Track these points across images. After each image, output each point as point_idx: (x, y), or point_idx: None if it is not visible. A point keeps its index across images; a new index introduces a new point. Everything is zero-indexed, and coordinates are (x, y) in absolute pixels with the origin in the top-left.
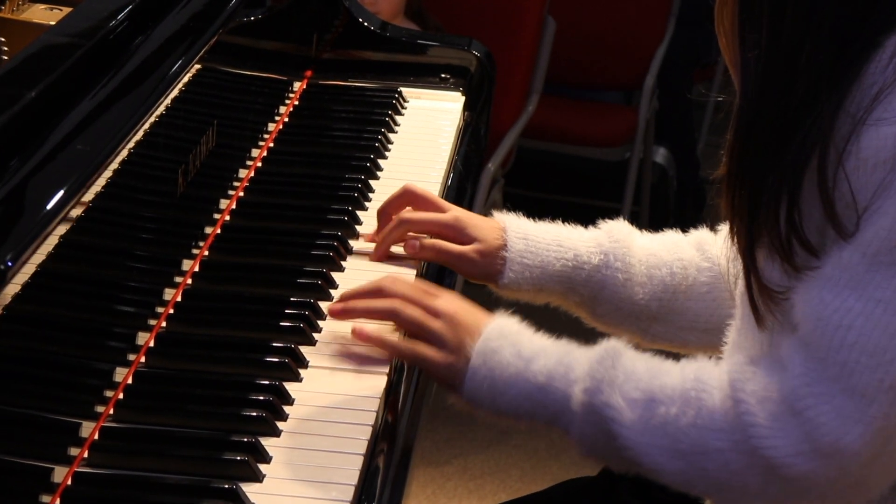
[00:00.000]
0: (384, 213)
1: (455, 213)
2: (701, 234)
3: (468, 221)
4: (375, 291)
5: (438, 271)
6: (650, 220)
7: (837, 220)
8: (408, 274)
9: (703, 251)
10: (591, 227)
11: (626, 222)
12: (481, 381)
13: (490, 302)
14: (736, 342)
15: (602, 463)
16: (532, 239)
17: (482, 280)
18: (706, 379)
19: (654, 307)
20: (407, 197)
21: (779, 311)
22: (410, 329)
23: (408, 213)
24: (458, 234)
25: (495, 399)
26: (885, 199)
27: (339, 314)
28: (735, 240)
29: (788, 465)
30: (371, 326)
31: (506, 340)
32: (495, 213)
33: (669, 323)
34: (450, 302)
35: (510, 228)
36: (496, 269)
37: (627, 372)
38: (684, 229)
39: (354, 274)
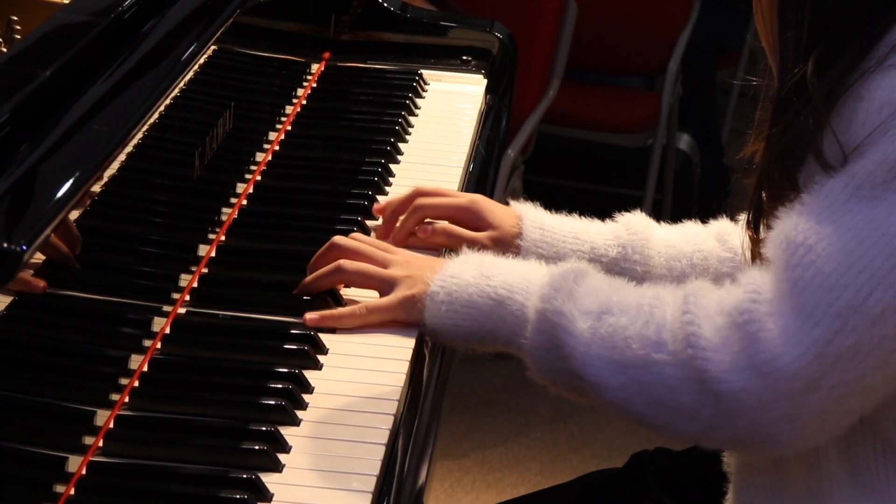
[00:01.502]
0: (394, 214)
1: (472, 196)
2: (721, 225)
3: (485, 206)
4: (328, 249)
5: None
6: (673, 207)
7: (821, 152)
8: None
9: (723, 241)
10: (608, 220)
11: (644, 214)
12: (440, 305)
13: None
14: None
15: (551, 385)
16: (548, 229)
17: None
18: (663, 295)
19: None
20: (418, 210)
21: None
22: (359, 282)
23: (422, 199)
24: (474, 218)
25: (456, 321)
26: (883, 138)
27: (298, 291)
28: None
29: (722, 380)
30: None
31: (467, 263)
32: (512, 203)
33: None
34: (406, 253)
35: (526, 217)
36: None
37: (589, 287)
38: (707, 217)
39: None
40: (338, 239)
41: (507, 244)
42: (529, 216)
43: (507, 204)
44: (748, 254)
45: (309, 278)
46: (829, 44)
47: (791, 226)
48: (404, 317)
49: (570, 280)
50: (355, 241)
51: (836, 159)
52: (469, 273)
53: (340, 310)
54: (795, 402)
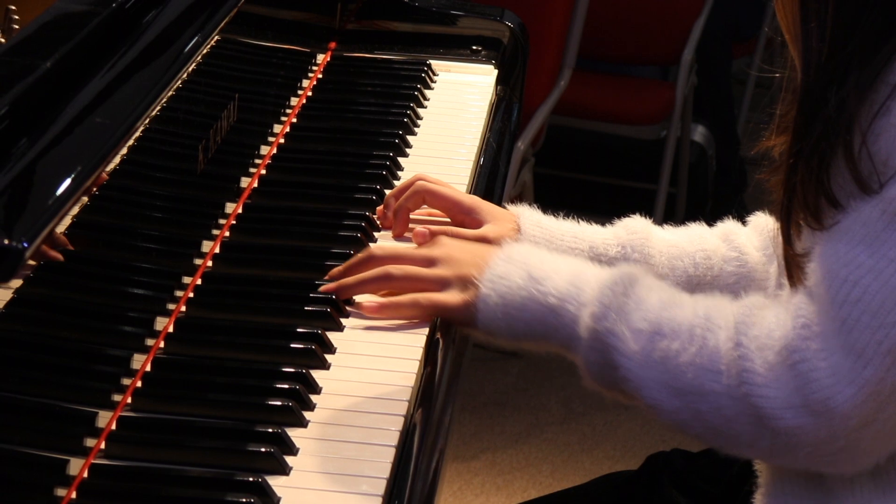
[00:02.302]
0: (403, 209)
1: (473, 198)
2: (727, 225)
3: (482, 205)
4: (365, 260)
5: None
6: (688, 201)
7: (860, 175)
8: None
9: (729, 241)
10: (607, 225)
11: (643, 218)
12: (494, 308)
13: None
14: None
15: (608, 394)
16: (546, 227)
17: None
18: (715, 317)
19: None
20: (421, 195)
21: (804, 275)
22: (409, 286)
23: (425, 182)
24: (471, 216)
25: (511, 325)
26: None
27: (333, 292)
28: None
29: (777, 417)
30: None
31: (514, 264)
32: (509, 206)
33: None
34: (444, 245)
35: (524, 216)
36: None
37: (639, 301)
38: (722, 211)
39: None
40: (375, 248)
41: (505, 241)
42: (526, 214)
43: (513, 201)
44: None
45: (352, 280)
46: (860, 41)
47: (833, 256)
48: (460, 318)
49: (621, 292)
50: (393, 246)
51: (870, 178)
52: (517, 275)
53: (400, 299)
54: (852, 437)
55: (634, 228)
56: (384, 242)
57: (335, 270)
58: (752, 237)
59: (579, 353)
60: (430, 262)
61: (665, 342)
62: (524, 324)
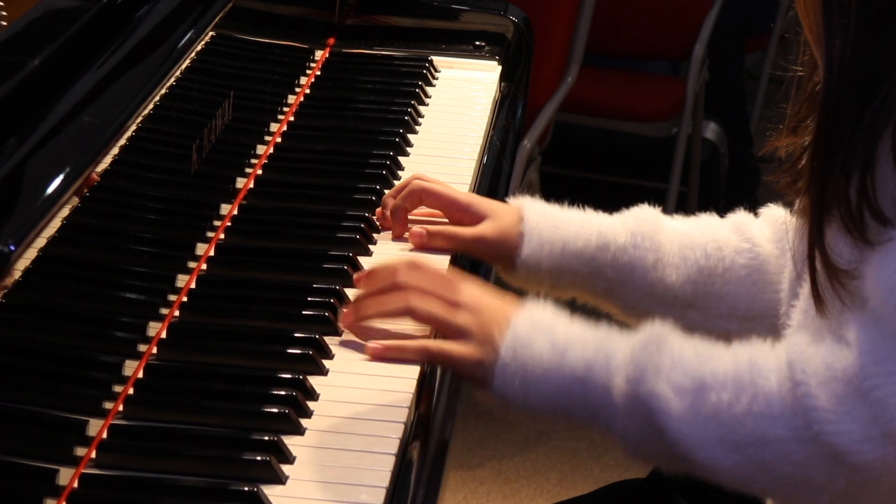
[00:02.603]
0: (400, 209)
1: (469, 194)
2: (738, 217)
3: (480, 200)
4: (389, 286)
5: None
6: (699, 200)
7: None
8: (442, 260)
9: (741, 233)
10: (615, 214)
11: (651, 207)
12: (512, 376)
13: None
14: (801, 323)
15: (650, 463)
16: (551, 217)
17: (498, 263)
18: (762, 362)
19: (688, 291)
20: (418, 194)
21: (846, 293)
22: (429, 324)
23: (422, 181)
24: (469, 213)
25: (528, 395)
26: None
27: (352, 321)
28: (805, 215)
29: (856, 452)
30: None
31: (538, 331)
32: (510, 199)
33: (707, 310)
34: (473, 291)
35: (527, 206)
36: (513, 246)
37: (674, 357)
38: (735, 210)
39: (382, 258)
40: (401, 273)
41: (507, 234)
42: (530, 206)
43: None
44: (794, 246)
45: (373, 311)
46: (888, 39)
47: (894, 272)
48: (471, 377)
49: (653, 352)
50: (421, 269)
51: None
52: (541, 344)
53: (408, 345)
54: None
55: (644, 218)
56: (385, 245)
57: (359, 296)
58: (764, 229)
59: (615, 423)
60: (455, 304)
61: (714, 395)
62: (544, 396)
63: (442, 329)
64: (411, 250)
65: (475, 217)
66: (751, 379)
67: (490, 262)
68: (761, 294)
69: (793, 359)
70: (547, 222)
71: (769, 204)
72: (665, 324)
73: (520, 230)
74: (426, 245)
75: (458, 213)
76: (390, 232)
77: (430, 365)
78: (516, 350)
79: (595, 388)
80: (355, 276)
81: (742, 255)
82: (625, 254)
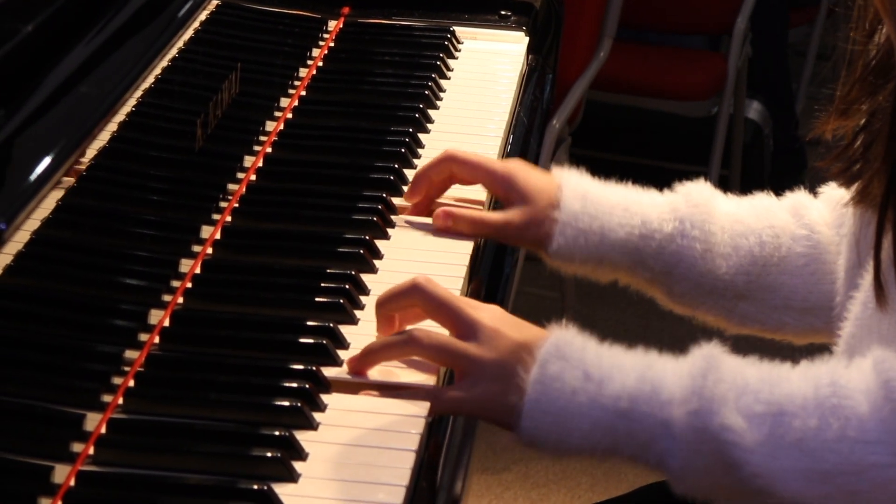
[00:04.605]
0: (424, 178)
1: (509, 166)
2: (797, 198)
3: (520, 177)
4: (405, 293)
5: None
6: (742, 185)
7: None
8: (465, 243)
9: (799, 217)
10: (666, 191)
11: (708, 184)
12: (542, 416)
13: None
14: (858, 317)
15: (703, 498)
16: (592, 199)
17: (533, 247)
18: (844, 383)
19: (740, 283)
20: (448, 164)
21: None
22: (437, 360)
23: (454, 150)
24: (506, 189)
25: (563, 435)
26: None
27: (357, 367)
28: (869, 201)
29: None
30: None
31: (567, 362)
32: (554, 169)
33: (760, 302)
34: (487, 322)
35: (567, 186)
36: (545, 232)
37: (738, 383)
38: (780, 195)
39: (401, 241)
40: (420, 280)
41: (540, 220)
42: (571, 184)
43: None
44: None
45: (379, 350)
46: None
47: None
48: (493, 419)
49: (715, 379)
50: (438, 288)
51: None
52: (572, 375)
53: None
54: None
55: (696, 200)
56: (405, 229)
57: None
58: (823, 212)
59: (672, 458)
60: (470, 330)
61: (797, 422)
62: (581, 435)
63: (452, 363)
64: (435, 232)
65: (510, 192)
66: (838, 402)
67: (518, 245)
68: (819, 284)
69: (888, 376)
70: (584, 209)
71: (830, 183)
72: (714, 345)
73: (553, 217)
74: (450, 229)
75: (493, 184)
76: (407, 215)
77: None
78: (545, 385)
79: (645, 423)
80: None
81: (800, 242)
82: (671, 243)
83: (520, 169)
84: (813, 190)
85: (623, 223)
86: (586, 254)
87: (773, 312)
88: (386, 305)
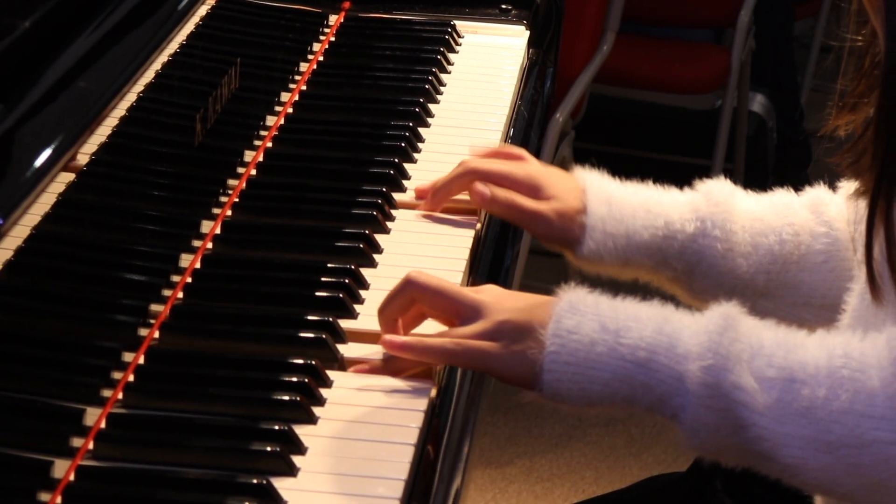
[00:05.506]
0: (445, 192)
1: (530, 168)
2: (817, 193)
3: (543, 178)
4: (400, 291)
5: (500, 234)
6: (746, 178)
7: None
8: (465, 236)
9: (818, 214)
10: (686, 189)
11: (729, 182)
12: (563, 368)
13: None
14: (856, 308)
15: (714, 457)
16: (616, 204)
17: (558, 245)
18: (856, 355)
19: (760, 281)
20: (470, 177)
21: None
22: (456, 361)
23: (475, 160)
24: (532, 191)
25: (585, 387)
26: None
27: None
28: (866, 197)
29: None
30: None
31: (583, 315)
32: (576, 171)
33: (780, 299)
34: (494, 289)
35: (591, 190)
36: (574, 235)
37: (754, 345)
38: (786, 189)
39: (401, 236)
40: (412, 275)
41: (570, 219)
42: (595, 189)
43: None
44: (852, 228)
45: (398, 343)
46: None
47: None
48: (513, 377)
49: (732, 338)
50: (431, 279)
51: None
52: (589, 326)
53: (432, 342)
54: None
55: (717, 199)
56: (405, 222)
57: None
58: (842, 208)
59: (684, 413)
60: (475, 312)
61: (807, 390)
62: (602, 385)
63: (466, 325)
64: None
65: (538, 192)
66: (850, 374)
67: (543, 241)
68: (838, 281)
69: None
70: (610, 213)
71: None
72: (733, 304)
73: (581, 221)
74: (486, 207)
75: (516, 186)
76: (411, 210)
77: (460, 368)
78: (563, 338)
79: (661, 374)
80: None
81: (819, 239)
82: (693, 243)
83: (541, 173)
84: (811, 184)
85: (647, 225)
86: (614, 256)
87: (793, 309)
88: (386, 310)
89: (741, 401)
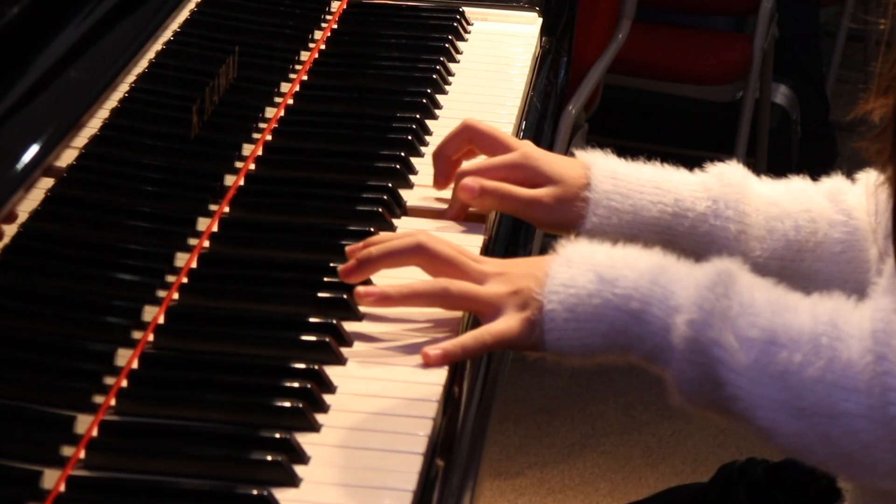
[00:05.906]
0: (441, 156)
1: (524, 149)
2: (835, 183)
3: (540, 159)
4: (411, 251)
5: (513, 228)
6: (769, 173)
7: None
8: (475, 239)
9: (837, 202)
10: (696, 171)
11: (741, 165)
12: (564, 324)
13: None
14: (887, 287)
15: (705, 412)
16: (622, 179)
17: (558, 230)
18: (842, 324)
19: (773, 267)
20: (467, 134)
21: None
22: (464, 307)
23: (468, 164)
24: (528, 174)
25: (585, 341)
26: None
27: (352, 269)
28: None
29: None
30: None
31: (578, 267)
32: (577, 153)
33: (794, 289)
34: (493, 261)
35: (595, 165)
36: (576, 213)
37: (744, 303)
38: (814, 180)
39: None
40: (423, 238)
41: (571, 199)
42: (599, 164)
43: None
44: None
45: (377, 252)
46: None
47: None
48: (522, 342)
49: (722, 294)
50: (441, 242)
51: None
52: (585, 278)
53: (462, 338)
54: None
55: (730, 180)
56: (412, 220)
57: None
58: (861, 198)
59: (670, 366)
60: (480, 278)
61: (784, 353)
62: (601, 337)
63: (476, 308)
64: (446, 217)
65: (535, 176)
66: (829, 342)
67: (545, 228)
68: (856, 273)
69: (879, 328)
70: (616, 188)
71: (868, 169)
72: (735, 260)
73: (584, 196)
74: (476, 203)
75: (511, 173)
76: (419, 206)
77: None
78: (559, 293)
79: (652, 327)
80: (348, 248)
81: (837, 228)
82: (704, 223)
83: (534, 152)
84: (848, 175)
85: (655, 201)
86: (619, 233)
87: None
88: (385, 260)
89: (719, 357)
